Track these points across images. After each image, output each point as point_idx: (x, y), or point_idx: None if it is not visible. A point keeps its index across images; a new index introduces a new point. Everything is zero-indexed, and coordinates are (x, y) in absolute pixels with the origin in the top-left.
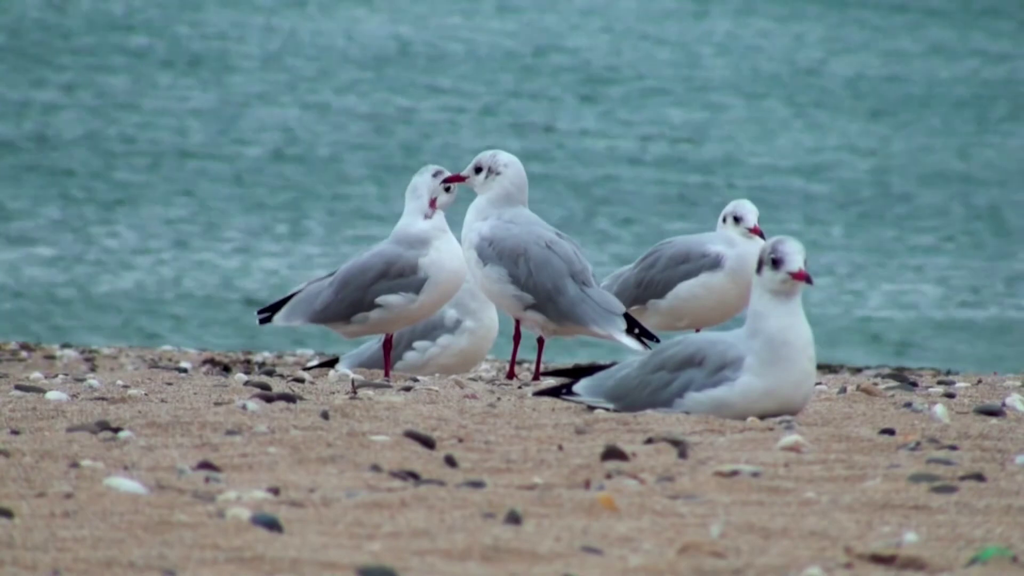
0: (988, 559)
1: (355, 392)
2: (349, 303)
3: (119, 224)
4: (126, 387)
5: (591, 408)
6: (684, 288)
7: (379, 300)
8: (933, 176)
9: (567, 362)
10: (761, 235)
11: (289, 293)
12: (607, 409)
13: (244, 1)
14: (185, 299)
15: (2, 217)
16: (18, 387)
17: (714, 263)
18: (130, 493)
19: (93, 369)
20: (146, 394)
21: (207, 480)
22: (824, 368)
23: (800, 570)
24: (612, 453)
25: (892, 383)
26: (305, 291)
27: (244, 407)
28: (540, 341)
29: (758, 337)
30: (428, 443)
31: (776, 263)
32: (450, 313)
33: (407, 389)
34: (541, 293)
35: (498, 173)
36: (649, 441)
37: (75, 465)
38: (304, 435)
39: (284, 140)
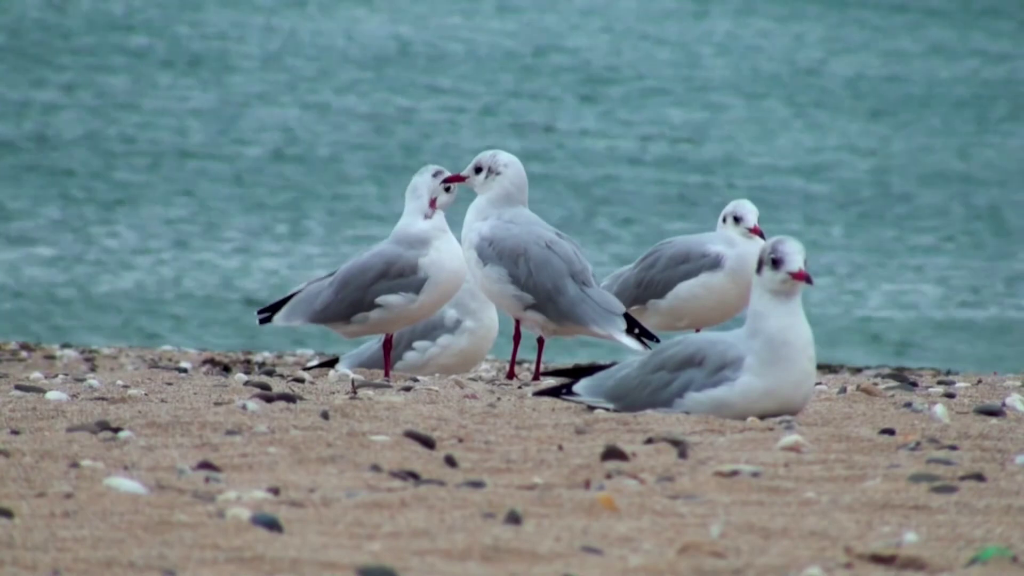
0: (988, 559)
1: (355, 392)
2: (349, 303)
3: (119, 224)
4: (126, 387)
5: (591, 408)
6: (684, 288)
7: (379, 300)
8: (933, 176)
9: (567, 362)
10: (761, 235)
11: (289, 293)
12: (607, 409)
13: (244, 1)
14: (185, 299)
15: (2, 217)
16: (18, 387)
17: (714, 263)
18: (130, 493)
19: (93, 369)
20: (146, 394)
21: (207, 480)
22: (824, 368)
23: (800, 570)
24: (612, 453)
25: (892, 383)
26: (305, 291)
27: (244, 407)
28: (540, 341)
29: (758, 337)
30: (428, 443)
31: (776, 263)
32: (450, 313)
33: (407, 389)
34: (541, 293)
35: (498, 173)
36: (649, 441)
37: (75, 465)
38: (304, 435)
39: (284, 140)
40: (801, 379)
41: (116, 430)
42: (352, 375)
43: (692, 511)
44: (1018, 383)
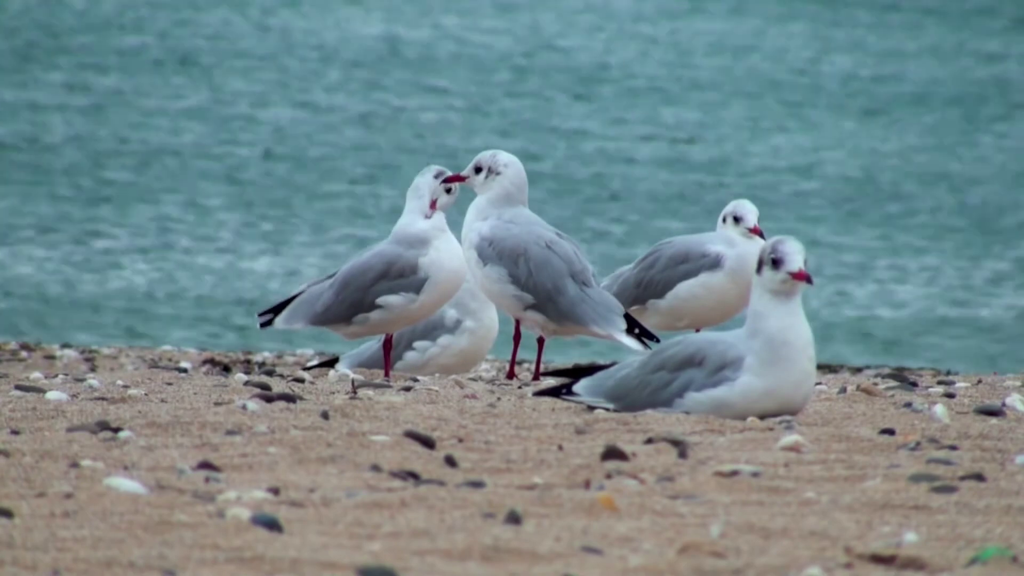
0: (988, 559)
1: (355, 392)
2: (350, 304)
3: (111, 224)
4: (126, 387)
5: (591, 408)
6: (684, 288)
7: (380, 301)
8: (927, 175)
9: (567, 362)
10: (761, 235)
11: (290, 295)
12: (607, 409)
13: (237, 0)
14: (177, 299)
15: None
16: (18, 387)
17: (714, 263)
18: (130, 493)
19: (93, 369)
20: (146, 394)
21: (207, 480)
22: (824, 368)
23: (800, 570)
24: (612, 453)
25: (892, 383)
26: (306, 293)
27: (244, 407)
28: (540, 341)
29: (758, 337)
30: (428, 443)
31: (776, 263)
32: (450, 313)
33: (407, 389)
34: (541, 293)
35: (498, 173)
36: (649, 441)
37: (75, 465)
38: (304, 435)
39: (277, 140)
40: (801, 379)
41: (116, 430)
42: (352, 375)
43: (692, 511)
44: (1018, 383)
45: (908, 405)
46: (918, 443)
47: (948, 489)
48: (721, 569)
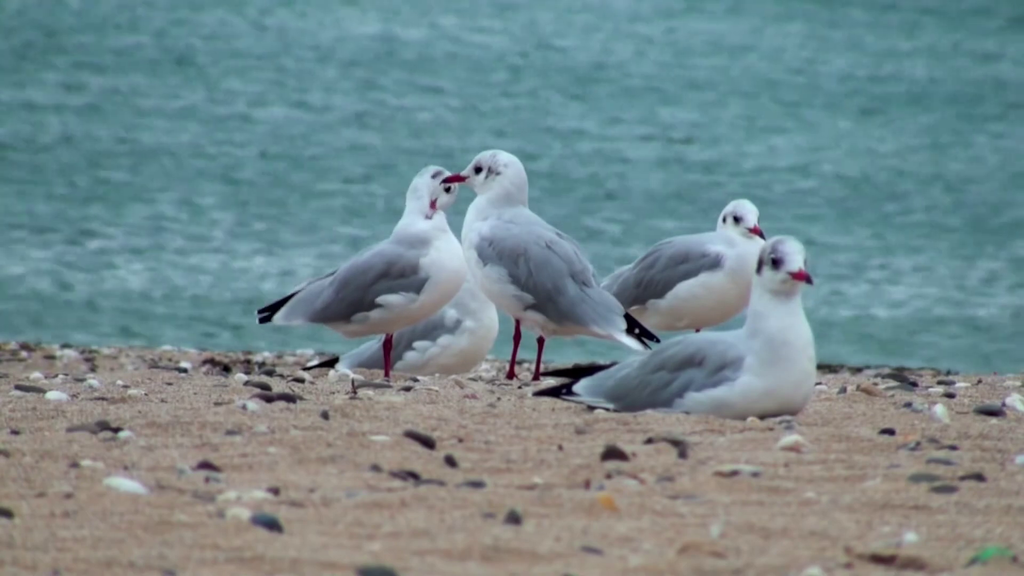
0: (988, 559)
1: (355, 392)
2: (349, 303)
3: (107, 223)
4: (126, 387)
5: (591, 408)
6: (684, 288)
7: (380, 300)
8: (923, 175)
9: (567, 362)
10: (761, 235)
11: (289, 293)
12: (607, 409)
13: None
14: (172, 299)
15: None
16: (18, 387)
17: (714, 263)
18: (130, 493)
19: (93, 369)
20: (146, 394)
21: (207, 480)
22: (824, 368)
23: (800, 570)
24: (612, 453)
25: (892, 383)
26: (306, 290)
27: (244, 407)
28: (540, 341)
29: (758, 337)
30: (428, 443)
31: (776, 263)
32: (450, 313)
33: (407, 389)
34: (541, 293)
35: (498, 173)
36: (649, 441)
37: (75, 465)
38: (304, 435)
39: (273, 139)
40: (801, 379)
41: (116, 430)
42: (352, 375)
43: (692, 511)
44: (1018, 383)
45: (908, 405)
46: (918, 443)
47: (948, 489)
48: (721, 569)
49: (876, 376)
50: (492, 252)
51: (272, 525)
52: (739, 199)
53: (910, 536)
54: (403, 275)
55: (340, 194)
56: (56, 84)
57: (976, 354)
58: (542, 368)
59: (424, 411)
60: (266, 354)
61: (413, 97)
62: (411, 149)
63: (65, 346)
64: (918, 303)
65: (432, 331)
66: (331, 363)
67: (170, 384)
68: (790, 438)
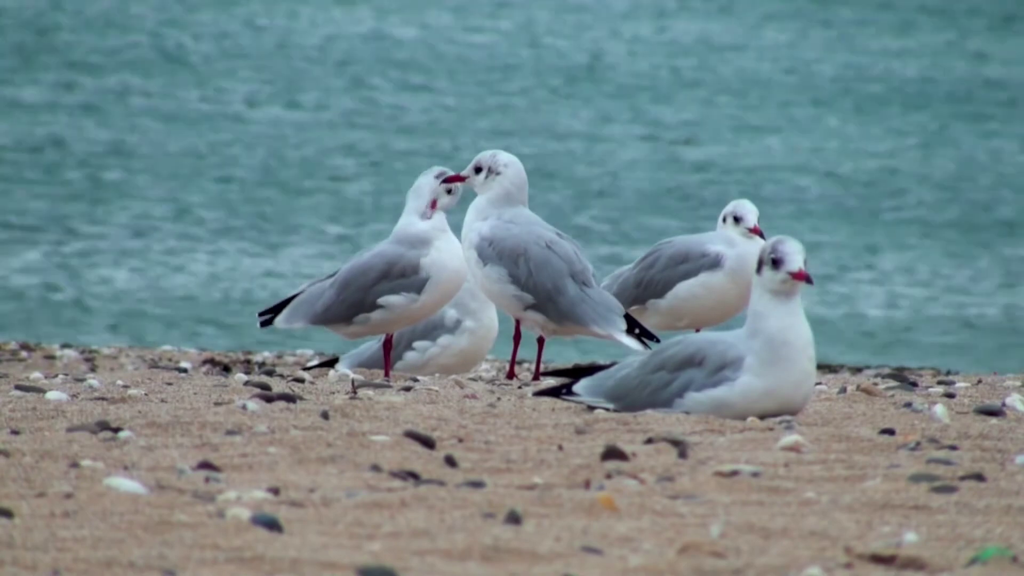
0: (988, 559)
1: (355, 392)
2: (351, 304)
3: (101, 224)
4: (126, 387)
5: (591, 408)
6: (684, 288)
7: (381, 301)
8: (918, 174)
9: (567, 362)
10: (761, 235)
11: (290, 295)
12: (607, 409)
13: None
14: (167, 299)
15: None
16: (18, 387)
17: (714, 263)
18: (130, 493)
19: (93, 369)
20: (146, 394)
21: (207, 480)
22: (824, 368)
23: (800, 570)
24: (612, 453)
25: (892, 383)
26: (306, 293)
27: (244, 407)
28: (540, 341)
29: (758, 337)
30: (428, 443)
31: (776, 263)
32: (450, 313)
33: (407, 389)
34: (541, 293)
35: (498, 173)
36: (649, 441)
37: (75, 465)
38: (304, 435)
39: (267, 139)
40: (801, 379)
41: (116, 430)
42: (352, 375)
43: (692, 511)
44: (1018, 383)
45: (908, 405)
46: (918, 443)
47: (948, 489)
48: (721, 569)
49: (876, 376)
50: (492, 252)
51: (272, 525)
52: (739, 199)
53: (910, 536)
54: (404, 275)
55: (335, 193)
56: (50, 84)
57: (974, 354)
58: (542, 368)
59: (424, 411)
60: (266, 354)
61: (406, 96)
62: (405, 148)
63: (65, 346)
64: (913, 302)
65: (432, 331)
66: (331, 363)
67: (170, 384)
68: (790, 438)
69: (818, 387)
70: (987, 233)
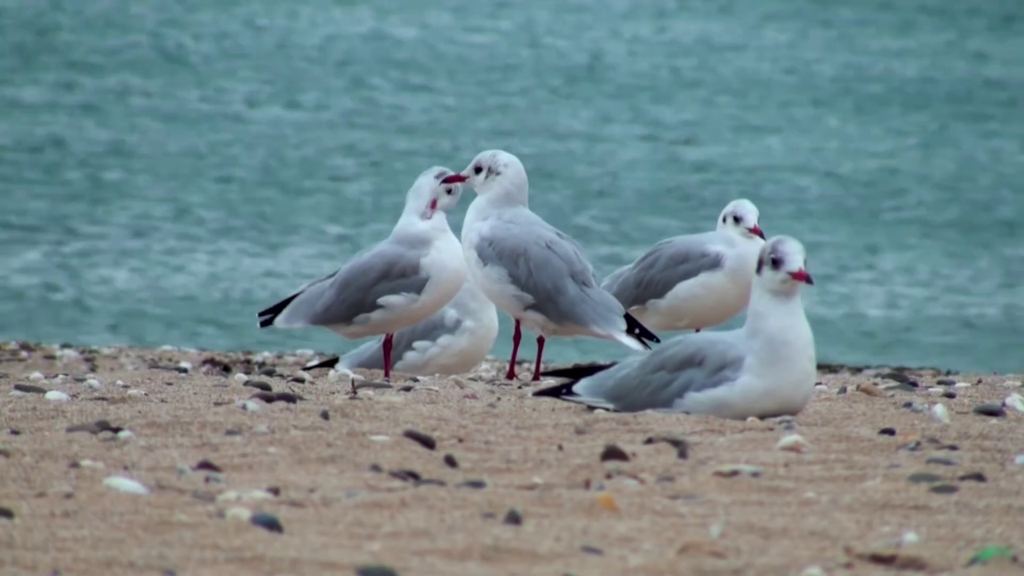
0: (988, 559)
1: (355, 392)
2: (351, 304)
3: (101, 224)
4: (126, 387)
5: (591, 408)
6: (684, 288)
7: (381, 301)
8: (918, 174)
9: (567, 362)
10: (761, 235)
11: (290, 295)
12: (607, 409)
13: (230, 0)
14: (167, 299)
15: None
16: (18, 387)
17: (714, 263)
18: (130, 493)
19: (93, 369)
20: (146, 394)
21: (207, 480)
22: (824, 368)
23: (800, 570)
24: (612, 453)
25: (892, 383)
26: (306, 293)
27: (244, 407)
28: (540, 341)
29: (758, 337)
30: (428, 443)
31: (776, 263)
32: (450, 313)
33: (407, 389)
34: (541, 293)
35: (498, 173)
36: (649, 441)
37: (75, 465)
38: (304, 435)
39: (267, 138)
40: (801, 379)
41: (116, 430)
42: (352, 375)
43: (692, 511)
44: (1018, 383)
45: (908, 405)
46: (918, 443)
47: (948, 489)
48: (721, 569)
49: (876, 376)
50: (492, 252)
51: (272, 525)
52: (739, 199)
53: (910, 536)
54: (404, 275)
55: (334, 193)
56: (51, 84)
57: (974, 354)
58: (542, 368)
59: (424, 411)
60: (266, 354)
61: (406, 96)
62: (405, 148)
63: (65, 346)
64: (913, 302)
65: (432, 331)
66: (331, 363)
67: (170, 384)
68: (790, 438)
69: (818, 387)
70: (987, 233)
